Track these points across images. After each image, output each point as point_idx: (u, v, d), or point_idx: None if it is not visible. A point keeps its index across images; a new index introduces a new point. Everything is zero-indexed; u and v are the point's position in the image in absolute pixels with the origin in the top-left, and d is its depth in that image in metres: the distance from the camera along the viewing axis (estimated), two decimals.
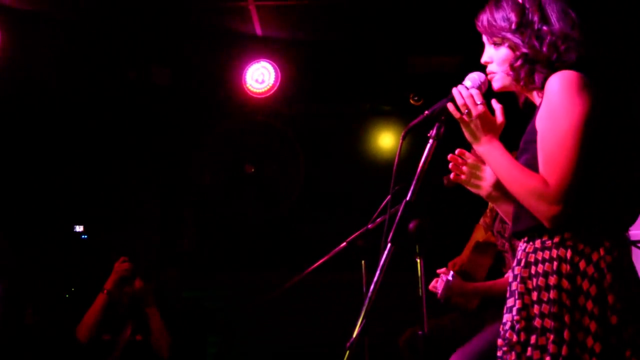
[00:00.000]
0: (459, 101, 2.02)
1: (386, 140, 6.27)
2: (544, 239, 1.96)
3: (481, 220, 4.09)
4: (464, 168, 2.22)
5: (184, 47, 5.41)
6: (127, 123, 5.85)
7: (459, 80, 2.14)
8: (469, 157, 2.23)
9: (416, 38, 5.41)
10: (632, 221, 1.99)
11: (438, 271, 3.65)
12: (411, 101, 5.68)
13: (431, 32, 5.27)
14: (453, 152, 2.22)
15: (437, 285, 3.85)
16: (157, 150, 5.96)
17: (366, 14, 5.04)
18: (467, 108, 2.01)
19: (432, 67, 5.70)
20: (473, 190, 2.23)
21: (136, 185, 5.93)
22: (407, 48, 5.56)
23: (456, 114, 2.03)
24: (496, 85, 2.12)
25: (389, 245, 1.99)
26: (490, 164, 2.03)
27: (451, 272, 3.80)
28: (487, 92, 2.15)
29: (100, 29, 5.14)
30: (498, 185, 2.19)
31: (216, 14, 5.08)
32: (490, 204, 3.46)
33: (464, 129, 2.05)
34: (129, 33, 5.22)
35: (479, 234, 4.07)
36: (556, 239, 1.93)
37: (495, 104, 2.08)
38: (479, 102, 2.02)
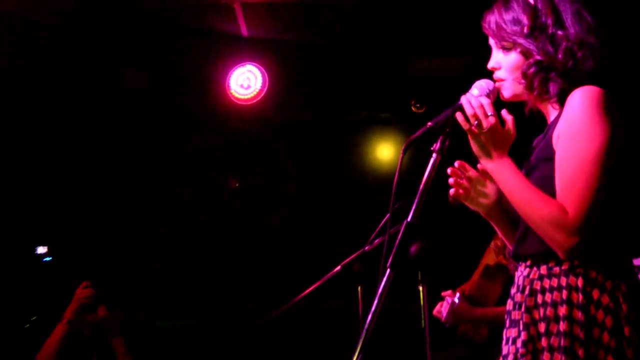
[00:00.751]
0: (469, 111, 2.02)
1: (385, 151, 6.28)
2: (550, 265, 1.97)
3: (492, 243, 4.10)
4: (465, 183, 2.24)
5: (161, 49, 5.42)
6: (98, 132, 5.84)
7: (465, 86, 2.15)
8: (471, 171, 2.24)
9: (418, 39, 5.43)
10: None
11: (443, 294, 3.67)
12: (412, 108, 5.71)
13: (434, 32, 5.30)
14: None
15: (442, 309, 3.87)
16: (131, 162, 5.95)
17: (363, 12, 5.06)
18: (478, 119, 2.01)
19: (435, 71, 5.73)
20: (473, 207, 2.25)
21: (107, 201, 5.92)
22: (408, 50, 5.58)
23: (465, 125, 2.03)
24: (506, 93, 2.14)
25: (388, 270, 1.98)
26: (500, 183, 2.03)
27: (457, 294, 3.81)
28: (496, 101, 2.18)
29: (68, 28, 5.14)
30: (500, 204, 2.21)
31: (197, 13, 5.09)
32: None
33: (472, 143, 2.05)
34: (100, 32, 5.22)
35: (489, 258, 4.08)
36: (565, 266, 1.94)
37: (506, 115, 2.08)
38: (490, 113, 2.01)
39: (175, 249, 6.05)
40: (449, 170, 2.21)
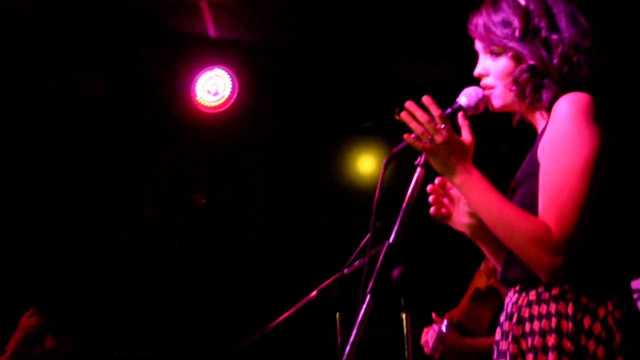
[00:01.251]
0: (417, 129, 2.00)
1: (366, 164, 6.29)
2: (539, 290, 1.96)
3: (482, 265, 4.09)
4: (446, 201, 2.24)
5: (120, 51, 5.39)
6: (50, 142, 5.79)
7: (456, 92, 2.14)
8: (452, 188, 2.24)
9: (403, 40, 5.46)
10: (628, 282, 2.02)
11: (433, 317, 3.64)
12: (397, 117, 5.70)
13: (422, 33, 5.33)
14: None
15: (428, 338, 3.83)
16: (86, 175, 5.90)
17: (342, 12, 5.08)
18: (429, 134, 1.99)
19: (422, 76, 5.75)
20: (457, 227, 2.25)
21: (58, 217, 5.85)
22: (393, 52, 5.61)
23: (417, 145, 2.01)
24: (497, 103, 2.13)
25: (368, 296, 1.97)
26: (471, 201, 2.01)
27: (445, 321, 3.78)
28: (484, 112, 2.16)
29: (14, 28, 5.09)
30: (483, 224, 2.21)
31: (160, 11, 5.08)
32: None
33: (431, 161, 2.03)
34: (51, 32, 5.18)
35: (480, 281, 4.08)
36: (554, 291, 1.93)
37: (461, 120, 2.06)
38: (442, 125, 1.99)
39: (135, 271, 5.99)
40: (428, 188, 2.22)
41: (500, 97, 2.11)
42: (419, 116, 2.00)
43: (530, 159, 2.02)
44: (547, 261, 1.86)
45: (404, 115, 2.02)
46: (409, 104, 2.02)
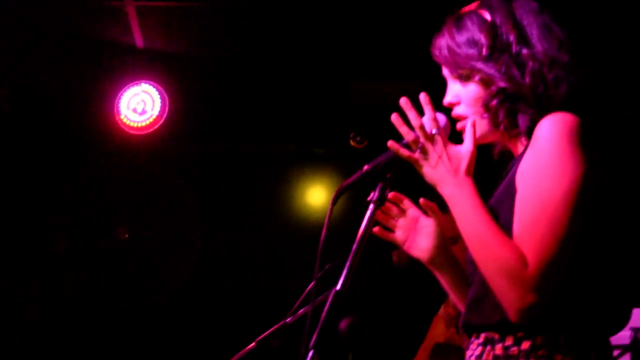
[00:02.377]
0: (407, 135, 2.01)
1: (317, 196, 6.31)
2: (506, 344, 1.95)
3: (442, 310, 4.13)
4: (400, 222, 2.26)
5: (31, 61, 5.35)
6: None
7: (422, 113, 2.12)
8: (407, 206, 2.26)
9: (361, 57, 5.51)
10: (624, 323, 2.03)
11: None
12: (352, 142, 5.76)
13: (380, 49, 5.38)
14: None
15: None
16: None
17: (291, 23, 5.11)
18: (420, 142, 2.01)
19: (380, 97, 5.79)
20: (414, 251, 2.27)
21: None
22: (349, 70, 5.65)
23: (404, 154, 2.02)
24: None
25: (310, 352, 1.94)
26: (455, 213, 2.00)
27: None
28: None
29: None
30: (446, 249, 2.24)
31: (80, 16, 5.07)
32: None
33: (421, 173, 2.04)
34: None
35: (438, 330, 4.11)
36: (524, 345, 1.93)
37: (468, 127, 2.08)
38: (434, 131, 2.01)
39: (45, 317, 5.91)
40: (392, 118, 2.14)
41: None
42: (411, 118, 2.01)
43: (507, 184, 2.02)
44: (516, 297, 1.85)
45: (394, 118, 2.03)
46: (403, 102, 2.03)
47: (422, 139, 2.00)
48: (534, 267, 1.84)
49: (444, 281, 2.28)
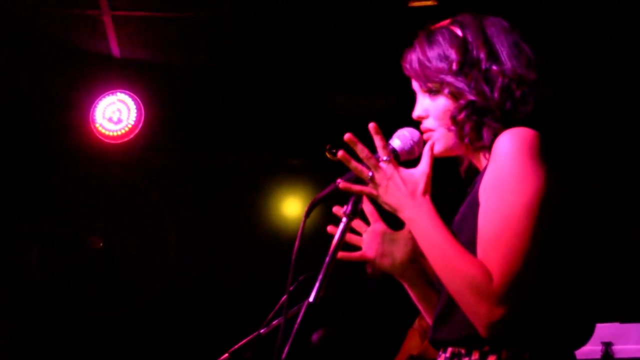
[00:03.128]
0: (356, 169, 2.03)
1: (292, 207, 6.31)
2: (473, 358, 1.97)
3: (416, 323, 4.14)
4: (365, 237, 2.26)
5: (3, 67, 5.32)
6: None
7: (395, 127, 2.17)
8: (374, 220, 2.26)
9: (337, 69, 5.53)
10: (588, 337, 2.05)
11: None
12: (327, 154, 5.77)
13: (358, 62, 5.41)
14: None
15: None
16: None
17: (267, 34, 5.12)
18: (368, 171, 2.02)
19: (357, 109, 5.82)
20: (382, 267, 2.27)
21: None
22: (326, 82, 5.67)
23: (355, 189, 2.04)
24: (437, 147, 2.15)
25: None
26: (417, 236, 2.03)
27: None
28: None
29: None
30: (415, 262, 2.24)
31: (56, 24, 5.05)
32: None
33: (379, 202, 2.05)
34: None
35: (413, 343, 4.11)
36: None
37: (426, 149, 2.09)
38: (385, 158, 2.03)
39: (17, 326, 5.88)
40: (334, 210, 2.17)
41: (440, 140, 2.14)
42: (359, 151, 2.02)
43: (471, 201, 2.04)
44: (484, 312, 1.87)
45: (342, 156, 2.04)
46: (348, 138, 2.03)
47: (371, 170, 2.02)
48: (499, 281, 1.86)
49: (413, 294, 2.29)
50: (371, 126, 2.04)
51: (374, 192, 2.04)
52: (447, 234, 1.97)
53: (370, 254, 2.27)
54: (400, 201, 2.02)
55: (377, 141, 2.04)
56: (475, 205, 2.00)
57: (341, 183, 2.06)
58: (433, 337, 2.09)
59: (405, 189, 2.02)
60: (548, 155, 1.95)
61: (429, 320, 2.24)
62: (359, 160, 2.05)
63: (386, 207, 2.05)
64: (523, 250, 1.88)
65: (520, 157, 1.93)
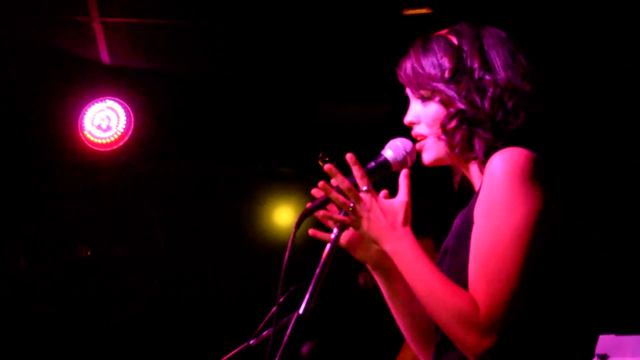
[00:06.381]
0: (337, 199, 2.03)
1: (284, 216, 6.30)
2: None
3: None
4: (349, 217, 2.10)
5: None
6: None
7: (388, 136, 2.18)
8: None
9: (330, 78, 5.53)
10: (585, 358, 2.06)
11: None
12: (320, 163, 5.77)
13: (351, 69, 5.41)
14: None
15: None
16: None
17: (261, 42, 5.13)
18: (349, 202, 2.03)
19: (350, 117, 5.83)
20: (355, 254, 2.21)
21: None
22: (317, 91, 5.67)
23: (336, 219, 2.05)
24: (427, 156, 2.16)
25: None
26: (400, 269, 2.03)
27: None
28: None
29: None
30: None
31: (45, 29, 5.05)
32: None
33: (360, 232, 2.06)
34: None
35: (408, 356, 4.11)
36: None
37: (401, 179, 2.09)
38: (364, 188, 2.04)
39: (3, 335, 5.86)
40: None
41: (431, 148, 2.14)
42: (339, 182, 2.03)
43: (466, 221, 2.04)
44: (472, 343, 1.88)
45: (322, 186, 2.05)
46: (328, 168, 2.04)
47: (352, 201, 2.03)
48: (486, 310, 1.87)
49: (385, 290, 2.25)
50: (348, 157, 2.05)
51: (354, 223, 2.04)
52: (429, 265, 1.98)
53: (345, 240, 2.20)
54: (381, 233, 2.03)
55: (355, 171, 2.05)
56: (470, 226, 2.00)
57: (321, 215, 2.07)
58: None
59: (386, 221, 2.03)
60: (541, 176, 1.95)
61: (397, 320, 2.23)
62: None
63: (367, 238, 2.07)
64: (510, 277, 1.88)
65: (511, 181, 1.93)
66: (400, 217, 2.04)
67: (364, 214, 2.03)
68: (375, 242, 2.06)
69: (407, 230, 2.03)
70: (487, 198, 1.96)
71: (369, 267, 2.25)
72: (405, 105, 2.23)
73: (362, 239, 2.20)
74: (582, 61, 4.94)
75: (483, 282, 1.89)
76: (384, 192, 2.11)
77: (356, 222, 2.04)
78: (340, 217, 2.05)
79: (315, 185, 2.10)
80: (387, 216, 2.04)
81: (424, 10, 4.63)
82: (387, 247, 2.04)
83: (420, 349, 2.27)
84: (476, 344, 1.88)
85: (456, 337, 1.91)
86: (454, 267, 2.03)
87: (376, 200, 2.04)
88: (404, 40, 2.26)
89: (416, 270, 1.98)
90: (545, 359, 1.98)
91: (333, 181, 2.06)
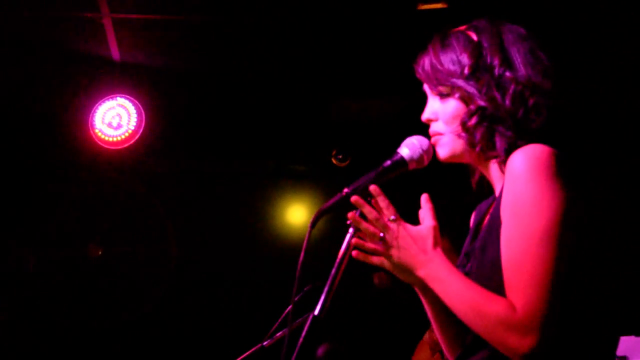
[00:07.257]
0: (367, 230, 2.01)
1: (297, 214, 6.30)
2: None
3: (426, 335, 4.13)
4: (379, 245, 2.08)
5: (2, 71, 5.32)
6: None
7: (402, 133, 2.17)
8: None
9: (344, 75, 5.52)
10: (612, 355, 2.04)
11: None
12: (333, 160, 5.77)
13: (364, 65, 5.40)
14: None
15: None
16: None
17: (274, 39, 5.12)
18: (379, 232, 2.02)
19: (364, 114, 5.82)
20: (400, 275, 2.14)
21: None
22: (332, 88, 5.66)
23: (369, 248, 2.01)
24: (443, 152, 2.15)
25: None
26: (436, 290, 2.02)
27: None
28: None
29: None
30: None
31: (55, 27, 5.05)
32: None
33: (392, 263, 2.04)
34: None
35: (423, 356, 4.11)
36: None
37: (423, 202, 2.08)
38: (392, 218, 2.03)
39: (14, 336, 5.88)
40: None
41: (448, 145, 2.13)
42: (366, 213, 2.02)
43: (492, 223, 2.03)
44: (513, 343, 1.88)
45: (352, 217, 2.04)
46: (355, 200, 2.03)
47: (381, 231, 2.03)
48: (523, 310, 1.86)
49: (427, 304, 2.24)
50: (372, 188, 2.05)
51: (385, 253, 2.03)
52: (463, 279, 1.98)
53: (380, 259, 2.14)
54: (413, 259, 2.03)
55: (381, 202, 2.04)
56: (497, 227, 1.99)
57: (354, 241, 2.04)
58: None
59: (417, 247, 2.03)
60: (565, 172, 1.93)
61: (438, 336, 2.22)
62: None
63: (398, 268, 2.04)
64: (545, 275, 1.88)
65: (536, 179, 1.92)
66: (429, 241, 2.04)
67: (394, 243, 2.03)
68: (408, 270, 2.05)
69: (438, 252, 2.03)
70: (512, 197, 1.95)
71: (417, 289, 2.21)
72: (421, 101, 2.21)
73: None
74: (602, 57, 4.90)
75: (518, 284, 1.89)
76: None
77: (386, 252, 2.03)
78: (372, 245, 2.04)
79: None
80: (417, 242, 2.04)
81: (439, 5, 4.62)
82: (421, 272, 2.04)
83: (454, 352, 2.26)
84: (519, 344, 1.87)
85: (499, 342, 1.91)
86: (482, 267, 2.03)
87: (404, 228, 2.04)
88: (419, 36, 2.24)
89: (452, 289, 1.99)
90: (582, 355, 1.98)
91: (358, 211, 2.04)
